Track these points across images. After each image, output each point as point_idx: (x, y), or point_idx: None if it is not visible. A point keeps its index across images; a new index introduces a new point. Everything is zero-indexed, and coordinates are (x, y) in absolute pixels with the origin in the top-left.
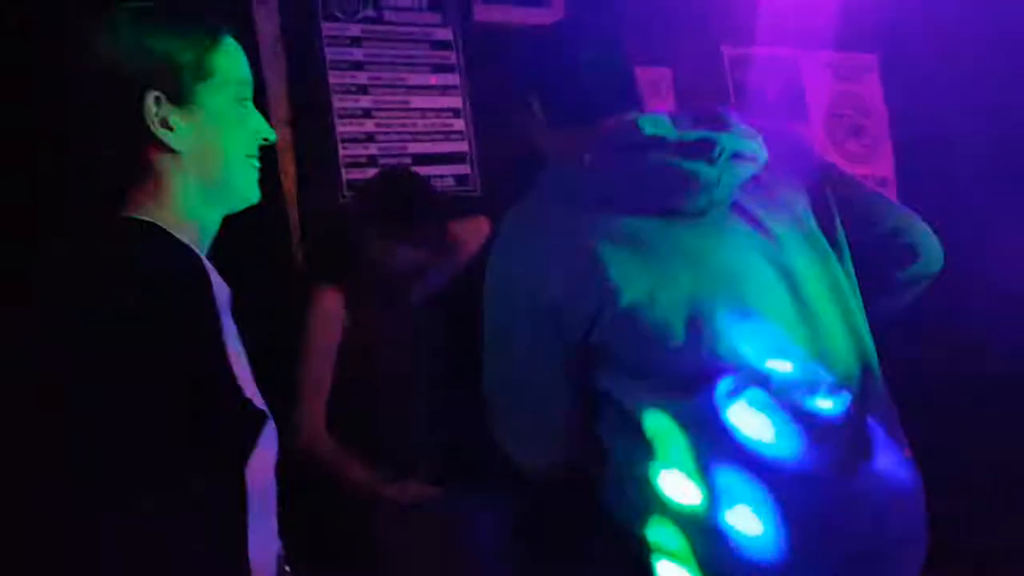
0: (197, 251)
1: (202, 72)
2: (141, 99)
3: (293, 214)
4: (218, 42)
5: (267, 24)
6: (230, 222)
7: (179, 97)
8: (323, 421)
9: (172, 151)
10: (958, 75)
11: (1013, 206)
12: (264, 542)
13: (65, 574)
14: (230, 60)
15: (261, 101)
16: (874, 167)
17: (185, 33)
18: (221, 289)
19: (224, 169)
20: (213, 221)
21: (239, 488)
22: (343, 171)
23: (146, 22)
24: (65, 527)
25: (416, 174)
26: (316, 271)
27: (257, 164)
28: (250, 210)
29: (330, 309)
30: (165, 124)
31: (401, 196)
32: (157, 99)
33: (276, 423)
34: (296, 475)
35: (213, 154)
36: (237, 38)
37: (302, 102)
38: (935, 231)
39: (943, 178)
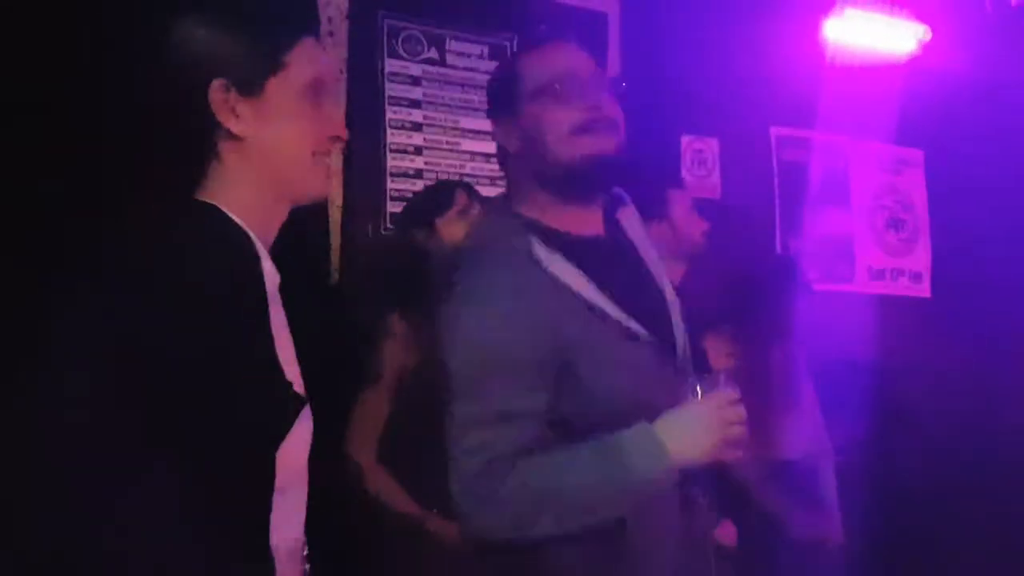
0: (253, 235)
1: (274, 65)
2: (210, 85)
3: (335, 240)
4: (296, 39)
5: (332, 54)
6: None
7: (248, 87)
8: (375, 450)
9: (238, 138)
10: (1000, 177)
11: None
12: (289, 528)
13: (87, 542)
14: (306, 58)
15: None
16: (911, 261)
17: (263, 25)
18: (272, 274)
19: (287, 162)
20: (276, 211)
21: (270, 469)
22: (388, 203)
23: (225, 11)
24: (98, 490)
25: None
26: (386, 297)
27: (327, 161)
28: (293, 232)
29: (401, 337)
30: (232, 112)
31: None
32: (226, 86)
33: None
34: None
35: (277, 146)
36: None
37: (358, 132)
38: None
39: (977, 276)
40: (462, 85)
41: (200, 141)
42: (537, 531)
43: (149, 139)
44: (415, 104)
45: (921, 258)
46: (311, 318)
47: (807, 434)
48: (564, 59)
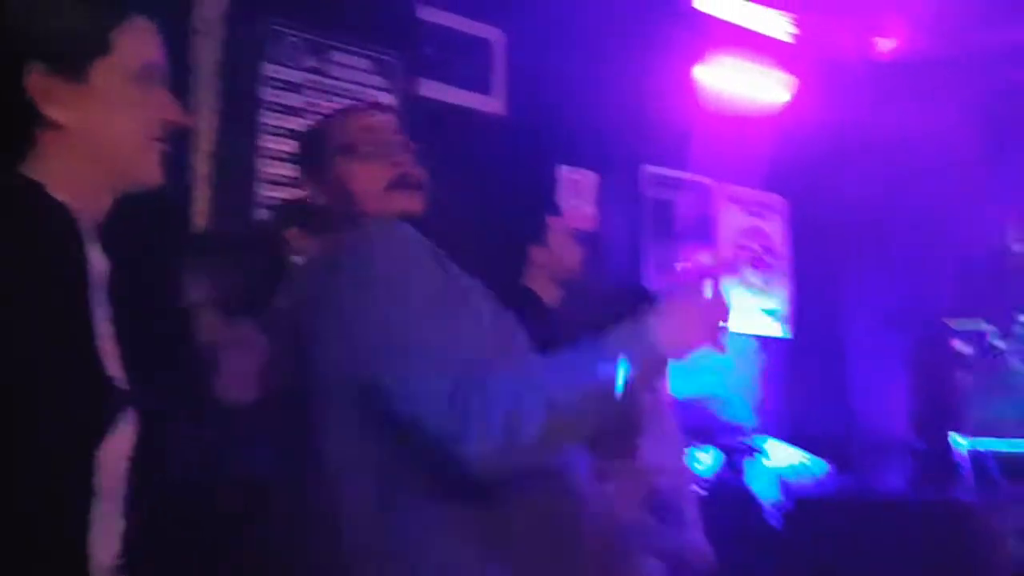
0: (78, 220)
1: (99, 47)
2: (27, 69)
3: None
4: (124, 19)
5: (207, 54)
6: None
7: (71, 71)
8: None
9: (58, 126)
10: (858, 224)
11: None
12: (108, 537)
13: None
14: (136, 40)
15: (187, 129)
16: (771, 301)
17: (85, 5)
18: (99, 261)
19: (115, 149)
20: (104, 199)
21: (88, 473)
22: (257, 210)
23: None
24: None
25: None
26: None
27: (162, 147)
28: (158, 230)
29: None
30: (53, 98)
31: None
32: (45, 70)
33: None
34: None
35: (106, 134)
36: (171, 63)
37: (229, 136)
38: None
39: (831, 314)
40: (343, 96)
41: (21, 127)
42: (528, 437)
43: None
44: (293, 111)
45: (781, 299)
46: (158, 314)
47: (672, 461)
48: (371, 119)
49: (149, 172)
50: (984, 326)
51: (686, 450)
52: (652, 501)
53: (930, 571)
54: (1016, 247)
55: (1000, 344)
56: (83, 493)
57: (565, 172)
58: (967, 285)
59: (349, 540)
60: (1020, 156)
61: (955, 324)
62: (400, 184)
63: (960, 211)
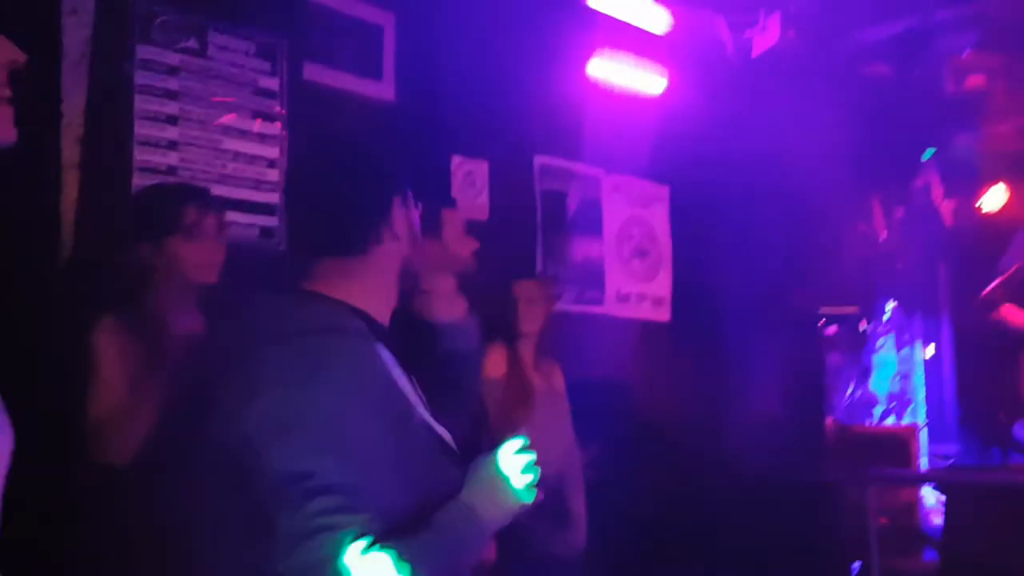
0: None
1: None
2: None
3: (67, 234)
4: None
5: (76, 34)
6: None
7: None
8: None
9: None
10: (736, 213)
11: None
12: None
13: None
14: None
15: (56, 113)
16: (654, 287)
17: None
18: None
19: None
20: None
21: None
22: (132, 199)
23: None
24: None
25: None
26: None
27: (6, 97)
28: (19, 221)
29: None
30: None
31: None
32: None
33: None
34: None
35: None
36: (38, 44)
37: (99, 122)
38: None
39: (712, 303)
40: (226, 80)
41: None
42: None
43: None
44: (170, 95)
45: (663, 285)
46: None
47: (561, 453)
48: None
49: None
50: (853, 310)
51: (574, 440)
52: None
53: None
54: (882, 235)
55: (868, 329)
56: None
57: (457, 162)
58: (837, 272)
59: None
60: (886, 148)
61: (827, 309)
62: None
63: (831, 201)
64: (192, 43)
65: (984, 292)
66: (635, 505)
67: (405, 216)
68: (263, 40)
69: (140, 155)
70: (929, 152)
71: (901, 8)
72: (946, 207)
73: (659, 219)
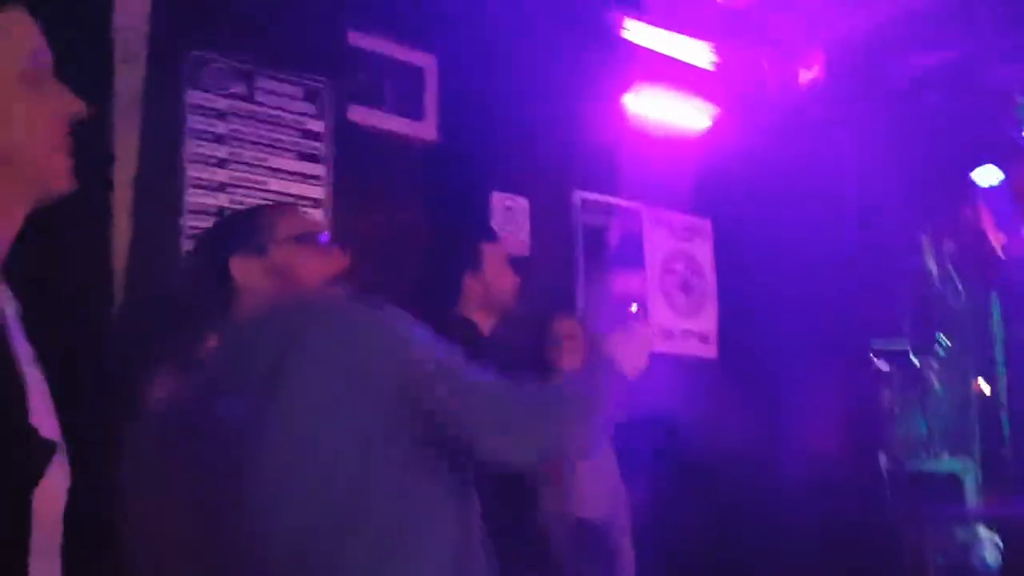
0: None
1: None
2: None
3: (119, 276)
4: None
5: (129, 79)
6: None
7: None
8: None
9: None
10: (782, 248)
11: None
12: None
13: None
14: (17, 33)
15: (108, 157)
16: (700, 323)
17: None
18: (8, 302)
19: (17, 156)
20: (15, 215)
21: (25, 517)
22: (184, 241)
23: None
24: None
25: None
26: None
27: (69, 148)
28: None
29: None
30: None
31: None
32: None
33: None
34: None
35: (2, 142)
36: (92, 91)
37: (151, 166)
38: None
39: (760, 339)
40: (271, 123)
41: None
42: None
43: None
44: (219, 139)
45: (709, 320)
46: (79, 354)
47: (607, 494)
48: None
49: (59, 178)
50: (905, 345)
51: (621, 483)
52: (581, 530)
53: None
54: (931, 268)
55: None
56: (18, 547)
57: (498, 198)
58: (888, 306)
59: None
60: (936, 180)
61: (878, 344)
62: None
63: (880, 234)
64: (240, 88)
65: None
66: (683, 546)
67: None
68: (308, 84)
69: (191, 197)
70: (992, 174)
71: (949, 36)
72: (998, 239)
73: (703, 253)
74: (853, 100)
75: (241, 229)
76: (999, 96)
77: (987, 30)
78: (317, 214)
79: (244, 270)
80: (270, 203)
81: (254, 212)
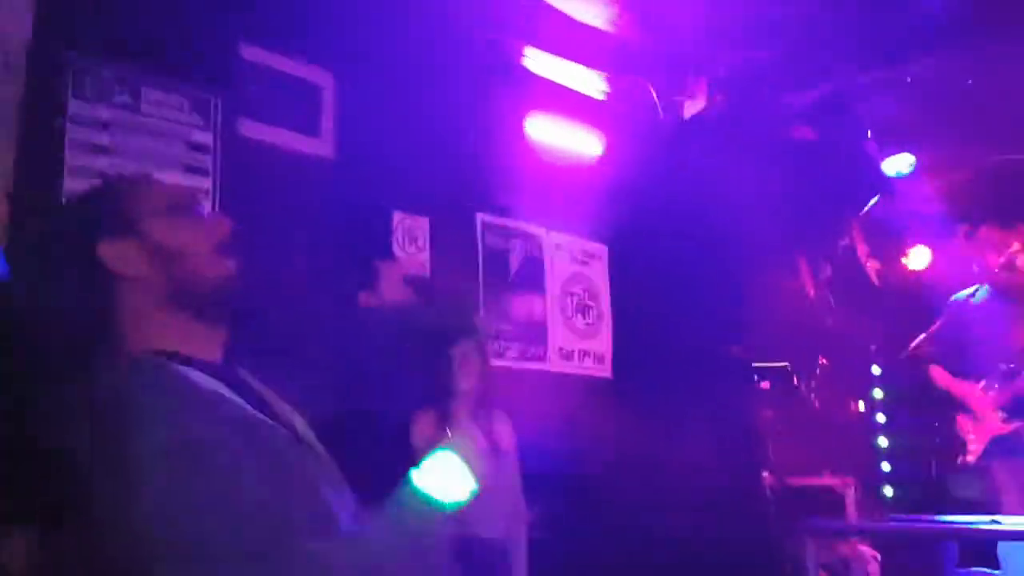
0: None
1: None
2: None
3: None
4: None
5: (8, 88)
6: None
7: None
8: None
9: None
10: (674, 270)
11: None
12: None
13: None
14: None
15: None
16: (595, 343)
17: None
18: None
19: None
20: None
21: None
22: None
23: None
24: None
25: None
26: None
27: None
28: None
29: None
30: None
31: None
32: None
33: None
34: None
35: None
36: None
37: (29, 178)
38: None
39: (651, 359)
40: (157, 135)
41: None
42: None
43: None
44: (100, 150)
45: (604, 341)
46: None
47: (506, 512)
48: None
49: None
50: (786, 365)
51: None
52: (480, 555)
53: None
54: (810, 292)
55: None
56: None
57: (399, 218)
58: (770, 328)
59: None
60: (811, 208)
61: (761, 364)
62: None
63: (761, 258)
64: (125, 98)
65: (911, 347)
66: (578, 560)
67: None
68: (196, 95)
69: None
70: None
71: (823, 73)
72: (871, 266)
73: (598, 277)
74: (734, 130)
75: (98, 211)
76: (864, 130)
77: (853, 69)
78: None
79: (118, 255)
80: (117, 177)
81: (106, 190)
